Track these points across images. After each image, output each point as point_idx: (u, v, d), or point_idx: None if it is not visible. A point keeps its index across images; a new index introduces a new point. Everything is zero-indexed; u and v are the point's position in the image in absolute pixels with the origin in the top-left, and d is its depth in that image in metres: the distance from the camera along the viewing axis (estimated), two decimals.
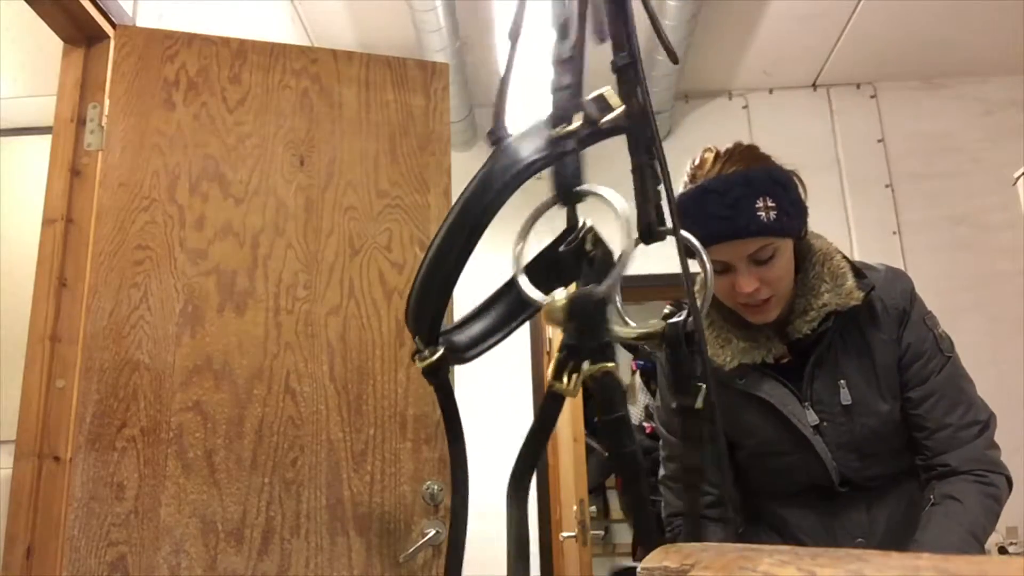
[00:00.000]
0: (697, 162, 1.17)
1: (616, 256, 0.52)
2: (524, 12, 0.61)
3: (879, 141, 3.73)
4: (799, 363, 1.20)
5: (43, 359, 1.58)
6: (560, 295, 0.51)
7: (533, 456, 0.56)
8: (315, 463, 1.63)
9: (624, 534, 5.15)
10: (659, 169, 0.58)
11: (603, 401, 0.52)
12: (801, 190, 1.16)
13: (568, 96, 0.54)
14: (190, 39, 1.79)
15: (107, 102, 1.72)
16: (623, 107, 0.54)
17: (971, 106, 3.74)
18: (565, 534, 3.25)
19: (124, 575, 1.51)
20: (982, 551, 1.11)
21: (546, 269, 0.59)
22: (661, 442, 1.35)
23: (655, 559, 0.49)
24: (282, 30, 2.95)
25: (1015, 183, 2.77)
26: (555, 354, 0.52)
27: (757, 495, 1.29)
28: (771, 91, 3.84)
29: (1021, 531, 2.94)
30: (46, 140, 1.72)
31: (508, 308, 0.58)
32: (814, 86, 3.84)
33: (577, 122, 0.53)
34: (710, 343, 1.20)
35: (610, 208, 0.51)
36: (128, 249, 1.66)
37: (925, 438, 1.19)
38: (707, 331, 1.21)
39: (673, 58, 0.73)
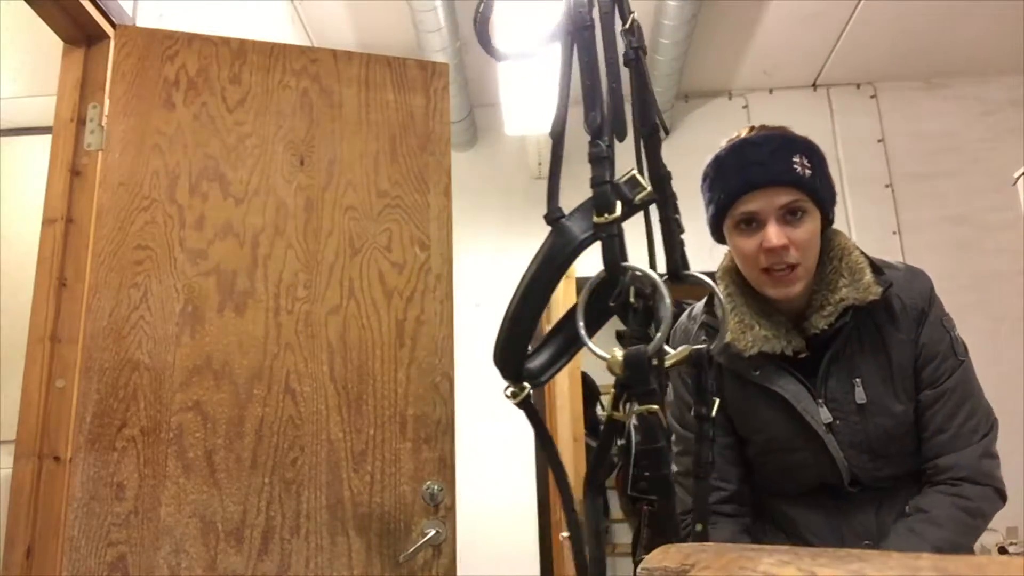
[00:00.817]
0: (735, 133, 1.21)
1: (660, 312, 0.68)
2: (565, 117, 0.73)
3: (879, 141, 3.73)
4: (815, 359, 1.19)
5: (43, 359, 1.58)
6: (618, 353, 0.66)
7: (599, 462, 0.75)
8: (315, 463, 1.63)
9: (624, 534, 5.15)
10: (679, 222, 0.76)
11: (646, 434, 0.65)
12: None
13: (608, 189, 0.68)
14: (190, 39, 1.79)
15: (107, 102, 1.72)
16: (649, 189, 0.69)
17: (971, 106, 3.74)
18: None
19: (124, 575, 1.51)
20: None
21: (597, 315, 0.73)
22: (674, 438, 1.35)
23: (655, 559, 0.49)
24: (282, 30, 2.95)
25: (1015, 183, 2.76)
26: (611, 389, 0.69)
27: (766, 494, 1.29)
28: (771, 91, 3.84)
29: (1021, 531, 2.93)
30: (46, 140, 1.72)
31: (566, 339, 0.74)
32: (814, 86, 3.84)
33: (617, 211, 0.68)
34: (732, 328, 1.20)
35: (650, 282, 0.69)
36: (128, 249, 1.66)
37: (926, 440, 1.18)
38: (730, 316, 1.21)
39: (665, 130, 0.84)
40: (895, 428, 1.18)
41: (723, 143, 1.21)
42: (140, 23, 1.85)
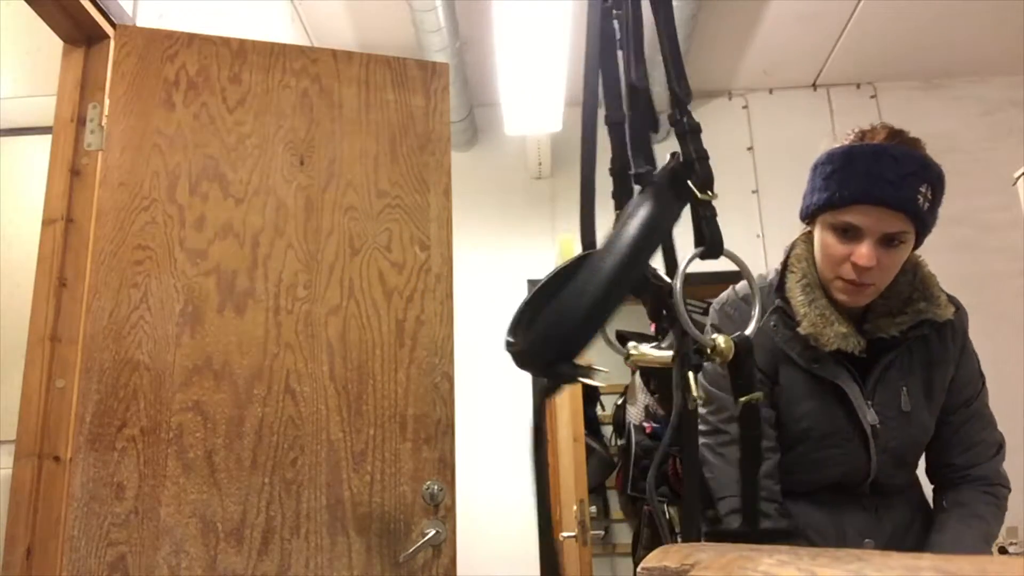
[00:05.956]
0: (868, 128, 1.18)
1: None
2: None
3: None
4: (869, 362, 1.21)
5: (43, 359, 1.58)
6: (720, 339, 0.66)
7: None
8: (315, 463, 1.63)
9: (624, 534, 5.15)
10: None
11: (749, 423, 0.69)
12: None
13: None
14: (190, 39, 1.79)
15: (107, 102, 1.72)
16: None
17: (971, 106, 3.73)
18: (565, 534, 3.25)
19: (124, 575, 1.51)
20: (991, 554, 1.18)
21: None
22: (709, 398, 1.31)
23: (655, 559, 0.49)
24: (282, 30, 2.95)
25: (1015, 183, 2.76)
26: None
27: None
28: (771, 91, 3.84)
29: (1021, 531, 2.93)
30: (46, 140, 1.72)
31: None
32: (814, 86, 3.83)
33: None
34: (815, 321, 1.18)
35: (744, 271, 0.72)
36: (128, 249, 1.66)
37: (957, 455, 1.25)
38: (810, 310, 1.19)
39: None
40: (922, 438, 1.25)
41: (855, 131, 1.17)
42: (140, 23, 1.85)
